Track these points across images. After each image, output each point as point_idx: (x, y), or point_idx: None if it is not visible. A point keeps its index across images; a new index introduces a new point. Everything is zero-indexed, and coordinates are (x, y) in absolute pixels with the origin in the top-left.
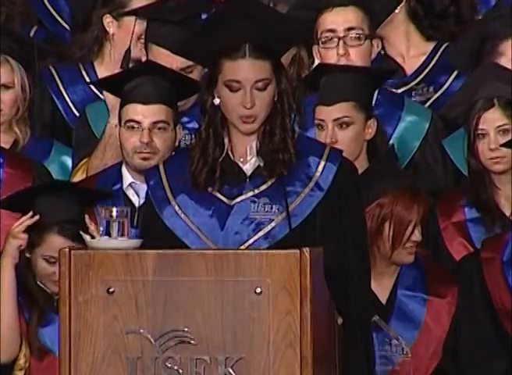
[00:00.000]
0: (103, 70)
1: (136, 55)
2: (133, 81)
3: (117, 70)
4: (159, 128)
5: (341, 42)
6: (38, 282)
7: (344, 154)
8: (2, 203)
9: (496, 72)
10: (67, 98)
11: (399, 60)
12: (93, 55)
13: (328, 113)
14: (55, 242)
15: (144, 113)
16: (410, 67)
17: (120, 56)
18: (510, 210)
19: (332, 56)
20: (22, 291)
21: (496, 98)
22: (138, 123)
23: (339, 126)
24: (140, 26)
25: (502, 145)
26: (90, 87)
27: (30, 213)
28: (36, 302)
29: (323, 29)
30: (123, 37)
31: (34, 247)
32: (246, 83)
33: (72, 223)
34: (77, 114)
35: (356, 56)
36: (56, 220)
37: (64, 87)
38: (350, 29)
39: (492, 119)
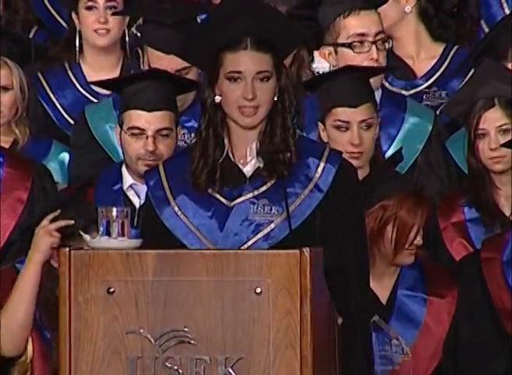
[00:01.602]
0: (89, 70)
1: (97, 43)
2: (134, 86)
3: (101, 68)
4: (163, 135)
5: (373, 47)
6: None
7: (366, 155)
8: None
9: (497, 71)
10: (57, 103)
11: (409, 62)
12: (76, 52)
13: (353, 115)
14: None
15: (149, 120)
16: (420, 70)
17: (91, 49)
18: (509, 210)
19: (362, 61)
20: (42, 307)
21: (496, 97)
22: (142, 130)
23: (363, 127)
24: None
25: (502, 145)
26: (79, 90)
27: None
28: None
29: (352, 33)
30: (83, 28)
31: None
32: (247, 75)
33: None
34: (68, 118)
35: (383, 60)
36: (82, 222)
37: (53, 92)
38: (378, 33)
39: (492, 118)
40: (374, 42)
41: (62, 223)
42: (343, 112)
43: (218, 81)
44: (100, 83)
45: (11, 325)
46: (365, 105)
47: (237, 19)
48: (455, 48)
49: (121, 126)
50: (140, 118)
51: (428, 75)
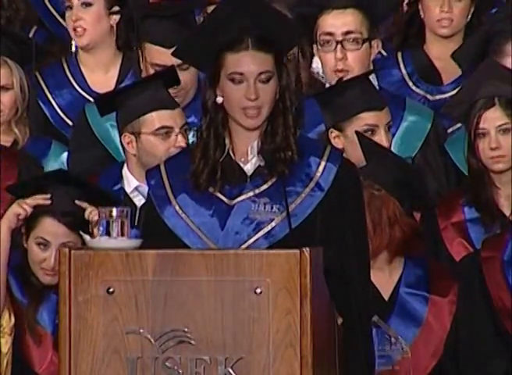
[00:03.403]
0: (88, 69)
1: (77, 43)
2: (148, 91)
3: (98, 67)
4: (185, 130)
5: (339, 46)
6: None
7: None
8: (9, 189)
9: (497, 71)
10: (54, 103)
11: (439, 63)
12: (72, 50)
13: (380, 117)
14: (50, 225)
15: (174, 118)
16: (449, 74)
17: (81, 48)
18: (509, 210)
19: (330, 59)
20: (21, 278)
21: (496, 97)
22: (170, 128)
23: (386, 129)
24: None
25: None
26: (76, 90)
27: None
28: (35, 288)
29: (322, 31)
30: (69, 31)
31: (30, 232)
32: (249, 76)
33: (69, 215)
34: (65, 118)
35: (354, 60)
36: (52, 210)
37: (50, 92)
38: (348, 33)
39: (492, 118)
40: (340, 42)
41: (38, 200)
42: (371, 116)
43: (219, 82)
44: (104, 100)
45: None
46: (387, 108)
47: (237, 19)
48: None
49: (134, 133)
50: (166, 117)
51: (455, 83)
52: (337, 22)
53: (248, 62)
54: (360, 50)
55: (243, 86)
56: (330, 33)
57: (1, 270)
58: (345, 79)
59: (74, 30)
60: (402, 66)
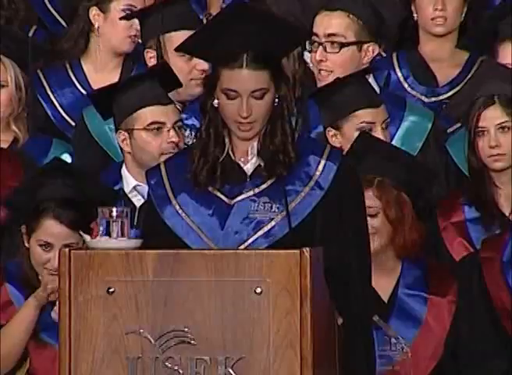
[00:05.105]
0: (91, 70)
1: (123, 49)
2: (142, 86)
3: (104, 68)
4: (179, 127)
5: (320, 48)
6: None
7: None
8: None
9: (497, 70)
10: (55, 102)
11: (434, 65)
12: (79, 50)
13: (377, 115)
14: (51, 227)
15: (166, 113)
16: (444, 76)
17: (105, 51)
18: (509, 210)
19: (314, 59)
20: (24, 283)
21: (496, 95)
22: (162, 123)
23: (384, 127)
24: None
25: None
26: (78, 90)
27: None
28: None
29: (312, 30)
30: (109, 30)
31: (31, 234)
32: (242, 93)
33: (68, 207)
34: (66, 118)
35: (334, 63)
36: (51, 200)
37: (52, 91)
38: (330, 35)
39: (492, 116)
40: (322, 43)
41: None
42: (368, 114)
43: (216, 89)
44: (98, 96)
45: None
46: (383, 105)
47: (234, 35)
48: (479, 59)
49: (128, 130)
50: (158, 112)
51: (451, 85)
52: (322, 23)
53: (242, 81)
54: (339, 53)
55: (237, 102)
56: (315, 34)
57: (21, 346)
58: (341, 77)
59: (129, 37)
60: (397, 68)
